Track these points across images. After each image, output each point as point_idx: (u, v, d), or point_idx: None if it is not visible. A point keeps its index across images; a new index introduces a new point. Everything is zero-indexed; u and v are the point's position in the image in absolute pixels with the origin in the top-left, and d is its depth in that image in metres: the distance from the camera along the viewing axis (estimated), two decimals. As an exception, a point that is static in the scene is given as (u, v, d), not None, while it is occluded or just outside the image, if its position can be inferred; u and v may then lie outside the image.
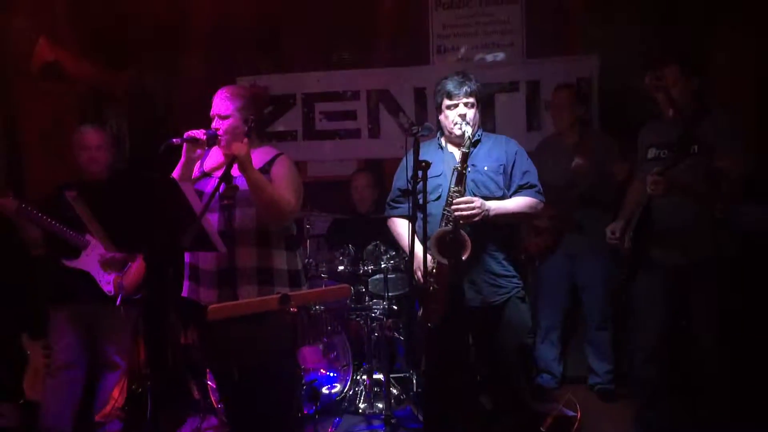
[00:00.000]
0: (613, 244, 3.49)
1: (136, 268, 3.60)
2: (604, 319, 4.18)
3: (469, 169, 2.99)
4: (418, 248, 2.87)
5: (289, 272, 2.97)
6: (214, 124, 2.93)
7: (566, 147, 4.14)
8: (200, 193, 2.86)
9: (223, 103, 2.92)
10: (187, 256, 2.99)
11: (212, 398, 3.86)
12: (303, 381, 3.80)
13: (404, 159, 3.13)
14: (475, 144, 3.08)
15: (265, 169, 2.95)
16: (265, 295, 2.79)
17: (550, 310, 4.30)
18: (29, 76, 4.76)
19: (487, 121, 4.57)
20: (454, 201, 2.92)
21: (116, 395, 3.75)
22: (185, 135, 2.82)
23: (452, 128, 3.05)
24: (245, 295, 2.83)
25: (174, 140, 2.79)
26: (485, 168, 3.07)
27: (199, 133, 2.84)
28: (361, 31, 4.93)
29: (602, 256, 4.00)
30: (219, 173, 2.90)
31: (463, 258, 2.90)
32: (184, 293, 3.00)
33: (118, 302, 3.52)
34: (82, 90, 5.03)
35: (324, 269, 4.24)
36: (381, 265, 4.08)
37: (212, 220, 2.82)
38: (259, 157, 2.96)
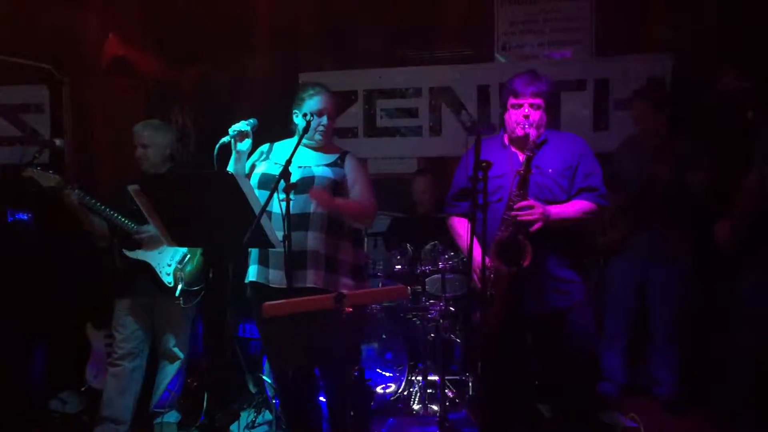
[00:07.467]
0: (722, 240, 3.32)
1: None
2: (674, 331, 3.96)
3: (533, 171, 2.88)
4: (477, 250, 2.79)
5: (353, 265, 3.06)
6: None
7: (647, 149, 3.94)
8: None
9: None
10: None
11: (267, 393, 3.87)
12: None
13: (464, 156, 3.05)
14: (539, 146, 2.96)
15: (336, 163, 3.08)
16: (330, 282, 2.95)
17: (615, 316, 4.11)
18: (99, 72, 4.90)
19: (551, 120, 4.45)
20: (515, 206, 2.83)
21: (174, 386, 3.81)
22: (231, 130, 2.91)
23: (514, 128, 2.95)
24: (312, 279, 2.92)
25: (224, 139, 2.91)
26: (550, 171, 2.96)
27: (243, 125, 2.92)
28: (424, 27, 4.86)
29: (677, 262, 3.82)
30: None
31: (524, 265, 2.80)
32: (252, 277, 3.04)
33: (177, 293, 3.58)
34: (149, 86, 5.14)
35: (381, 268, 4.20)
36: (439, 265, 4.01)
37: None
38: (329, 150, 3.14)
